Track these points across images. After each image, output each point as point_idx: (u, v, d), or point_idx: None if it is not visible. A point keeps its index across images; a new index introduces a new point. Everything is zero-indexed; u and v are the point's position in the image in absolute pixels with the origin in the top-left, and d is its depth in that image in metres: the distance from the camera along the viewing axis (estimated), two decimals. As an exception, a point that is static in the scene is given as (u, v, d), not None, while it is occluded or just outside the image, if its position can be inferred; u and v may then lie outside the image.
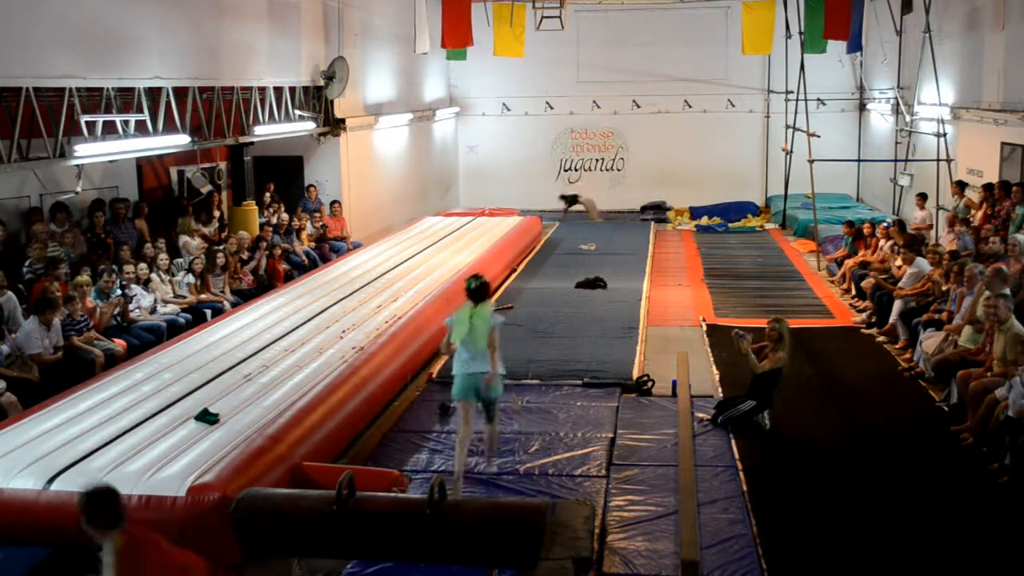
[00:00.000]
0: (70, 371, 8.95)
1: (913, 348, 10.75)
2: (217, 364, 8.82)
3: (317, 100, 16.02)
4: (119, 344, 9.81)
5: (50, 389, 8.34)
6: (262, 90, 14.09)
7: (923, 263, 11.79)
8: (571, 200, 18.74)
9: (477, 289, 7.15)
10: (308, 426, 7.48)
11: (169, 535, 5.99)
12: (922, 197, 15.88)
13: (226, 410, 7.57)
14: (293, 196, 16.50)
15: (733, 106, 24.34)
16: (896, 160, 19.81)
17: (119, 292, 10.45)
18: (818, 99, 22.38)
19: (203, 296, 11.80)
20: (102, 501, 4.24)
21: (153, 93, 11.21)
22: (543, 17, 21.26)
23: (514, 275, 15.93)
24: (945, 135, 16.80)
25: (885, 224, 14.74)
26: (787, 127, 21.53)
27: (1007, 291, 9.18)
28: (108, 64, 10.47)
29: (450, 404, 9.24)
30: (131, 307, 10.61)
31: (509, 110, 24.80)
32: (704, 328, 12.30)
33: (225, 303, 11.88)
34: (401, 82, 20.51)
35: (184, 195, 14.31)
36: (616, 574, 6.12)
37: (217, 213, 14.09)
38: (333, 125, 16.54)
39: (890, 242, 13.62)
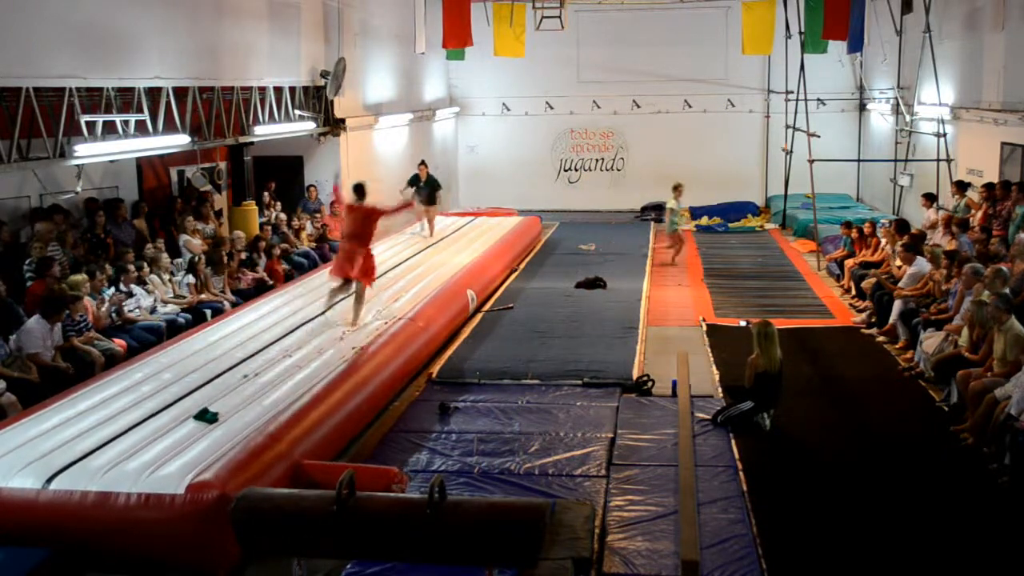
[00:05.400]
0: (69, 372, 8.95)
1: (913, 348, 10.75)
2: (217, 364, 8.83)
3: (317, 100, 16.01)
4: (119, 344, 9.80)
5: (50, 389, 8.34)
6: (262, 90, 14.08)
7: (923, 263, 11.76)
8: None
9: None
10: (308, 425, 7.49)
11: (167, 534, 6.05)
12: (927, 198, 15.78)
13: (226, 409, 7.57)
14: (293, 196, 16.49)
15: (733, 106, 24.33)
16: (896, 160, 19.80)
17: (112, 290, 10.44)
18: (818, 99, 22.37)
19: (203, 296, 11.79)
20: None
21: (153, 93, 11.21)
22: (543, 17, 21.23)
23: (514, 275, 15.92)
24: (945, 135, 16.80)
25: (882, 223, 14.72)
26: (787, 127, 21.51)
27: (1006, 291, 9.18)
28: (108, 64, 10.46)
29: (450, 404, 9.26)
30: (131, 307, 10.60)
31: (509, 110, 24.79)
32: (704, 328, 12.30)
33: (225, 303, 11.87)
34: (401, 82, 20.50)
35: (182, 195, 14.31)
36: (616, 574, 6.12)
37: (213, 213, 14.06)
38: (333, 125, 16.53)
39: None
